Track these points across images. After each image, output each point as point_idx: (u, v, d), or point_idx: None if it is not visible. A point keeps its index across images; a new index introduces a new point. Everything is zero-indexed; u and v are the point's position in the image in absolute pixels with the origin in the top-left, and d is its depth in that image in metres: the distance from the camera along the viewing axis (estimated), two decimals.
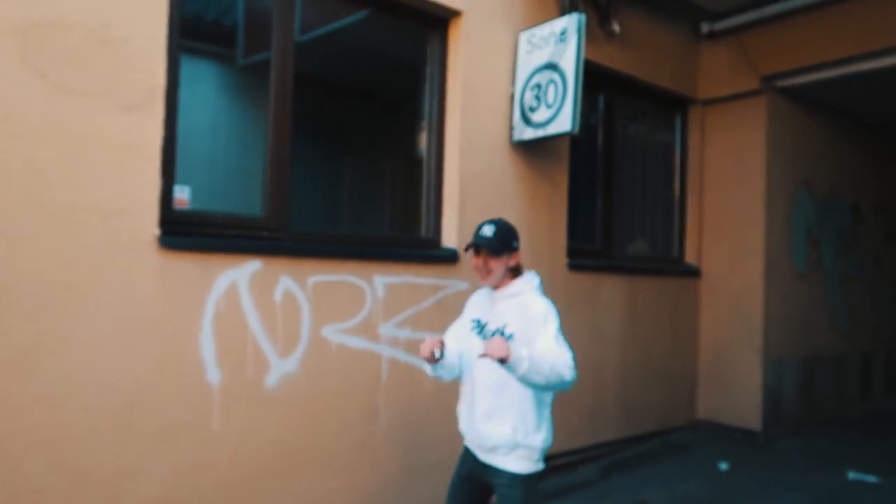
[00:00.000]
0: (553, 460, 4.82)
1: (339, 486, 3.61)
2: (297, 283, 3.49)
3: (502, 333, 2.49)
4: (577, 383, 4.96)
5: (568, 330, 4.84)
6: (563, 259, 4.90)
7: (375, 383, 3.78)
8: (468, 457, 2.64)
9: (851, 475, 5.06)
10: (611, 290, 5.31)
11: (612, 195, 5.56)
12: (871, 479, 4.99)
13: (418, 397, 3.96)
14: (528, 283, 2.60)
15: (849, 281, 6.99)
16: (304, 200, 4.97)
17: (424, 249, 4.14)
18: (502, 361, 2.17)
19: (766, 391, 5.82)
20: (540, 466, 2.52)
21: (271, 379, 3.39)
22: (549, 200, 4.78)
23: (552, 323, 2.45)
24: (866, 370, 7.31)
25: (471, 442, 2.61)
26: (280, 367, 3.42)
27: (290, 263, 3.47)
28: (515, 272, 2.61)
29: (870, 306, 7.35)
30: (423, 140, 4.41)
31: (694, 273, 6.16)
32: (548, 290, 4.72)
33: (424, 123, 4.39)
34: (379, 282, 3.81)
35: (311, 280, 3.54)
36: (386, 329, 3.84)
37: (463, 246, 4.14)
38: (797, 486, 4.87)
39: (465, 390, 2.65)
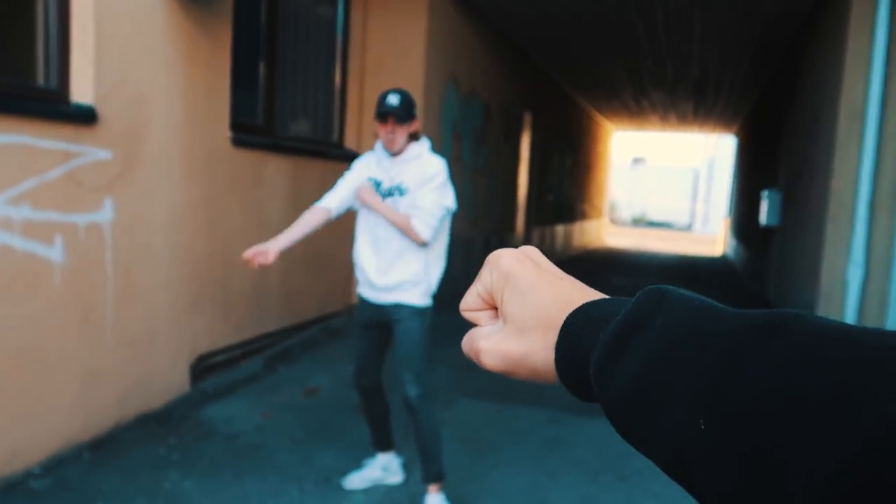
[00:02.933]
0: (215, 357, 4.33)
1: None
2: None
3: (399, 190, 2.76)
4: (239, 272, 4.54)
5: (230, 215, 4.36)
6: (225, 132, 4.25)
7: None
8: (364, 306, 2.90)
9: None
10: (275, 171, 4.85)
11: (274, 67, 5.00)
12: None
13: (42, 296, 3.05)
14: (423, 145, 2.82)
15: (477, 174, 7.71)
16: None
17: (45, 102, 3.10)
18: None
19: None
20: (431, 302, 2.87)
21: None
22: (210, 61, 4.04)
23: (439, 177, 2.74)
24: (486, 250, 8.32)
25: (374, 286, 2.81)
26: None
27: None
28: (413, 138, 2.80)
29: (489, 196, 8.28)
30: None
31: (353, 158, 6.03)
32: (209, 166, 4.13)
33: None
34: None
35: None
36: None
37: (101, 101, 3.22)
38: (441, 359, 5.28)
39: (364, 239, 2.87)
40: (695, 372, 0.31)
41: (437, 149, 6.33)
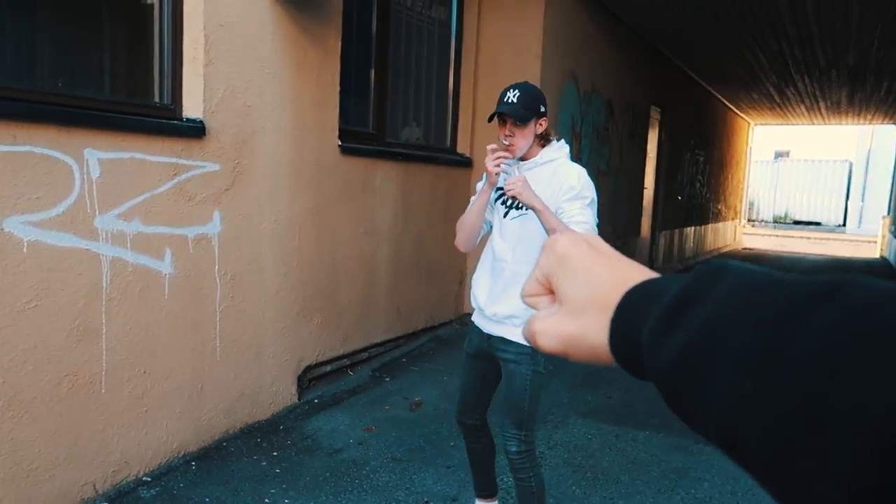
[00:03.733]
0: (322, 367, 4.31)
1: (43, 433, 2.70)
2: None
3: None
4: (348, 281, 4.50)
5: (340, 222, 4.34)
6: (334, 141, 4.22)
7: (93, 293, 2.85)
8: (474, 333, 2.54)
9: None
10: (385, 178, 4.78)
11: (386, 74, 4.93)
12: None
13: (153, 309, 3.12)
14: (559, 150, 2.40)
15: (599, 175, 7.31)
16: None
17: (158, 119, 3.17)
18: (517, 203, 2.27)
19: None
20: None
21: None
22: (319, 69, 4.01)
23: (586, 191, 2.29)
24: None
25: (482, 313, 2.46)
26: None
27: None
28: (544, 140, 2.39)
29: (612, 198, 7.84)
30: None
31: (466, 163, 5.88)
32: (317, 175, 4.11)
33: None
34: (92, 158, 2.80)
35: None
36: (105, 221, 2.87)
37: (209, 115, 3.25)
38: (558, 373, 4.99)
39: (484, 262, 2.52)
40: (746, 335, 0.31)
41: None
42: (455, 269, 5.89)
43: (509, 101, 2.32)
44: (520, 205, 2.34)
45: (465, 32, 5.78)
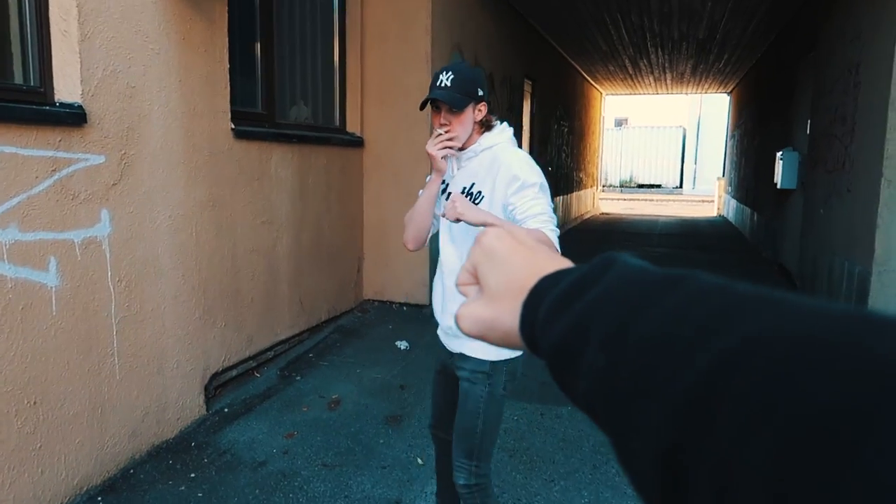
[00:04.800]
0: (228, 372, 3.96)
1: None
2: None
3: (469, 193, 2.06)
4: (250, 277, 4.14)
5: (238, 213, 3.94)
6: (226, 124, 3.82)
7: None
8: (440, 348, 2.28)
9: None
10: (279, 162, 4.43)
11: (271, 48, 4.54)
12: None
13: (40, 329, 2.66)
14: (500, 133, 2.10)
15: None
16: None
17: (27, 104, 2.67)
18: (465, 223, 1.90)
19: (432, 262, 5.76)
20: (509, 356, 2.10)
21: None
22: (207, 44, 3.59)
23: (531, 177, 1.97)
24: None
25: (442, 327, 2.21)
26: None
27: None
28: (485, 126, 2.10)
29: None
30: None
31: (357, 143, 5.61)
32: (211, 163, 3.70)
33: None
34: None
35: None
36: None
37: (89, 99, 2.80)
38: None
39: (439, 267, 2.24)
40: (610, 317, 0.34)
41: None
42: (353, 255, 5.65)
43: (442, 84, 2.02)
44: (466, 197, 2.06)
45: (348, 4, 5.46)
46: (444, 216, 1.93)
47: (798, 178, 7.28)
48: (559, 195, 12.56)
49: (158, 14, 3.20)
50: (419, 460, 3.41)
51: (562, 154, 12.68)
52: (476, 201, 2.03)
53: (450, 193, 2.12)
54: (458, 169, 2.13)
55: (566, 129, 12.91)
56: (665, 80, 14.66)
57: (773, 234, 8.97)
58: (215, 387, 3.84)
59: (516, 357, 2.12)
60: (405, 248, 2.25)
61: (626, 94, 18.81)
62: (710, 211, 19.15)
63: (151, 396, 3.28)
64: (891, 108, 4.23)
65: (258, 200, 4.17)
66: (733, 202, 14.62)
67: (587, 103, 15.56)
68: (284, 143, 4.46)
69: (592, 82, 15.59)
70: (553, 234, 1.89)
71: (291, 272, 4.63)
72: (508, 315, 0.44)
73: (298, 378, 4.38)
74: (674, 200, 24.79)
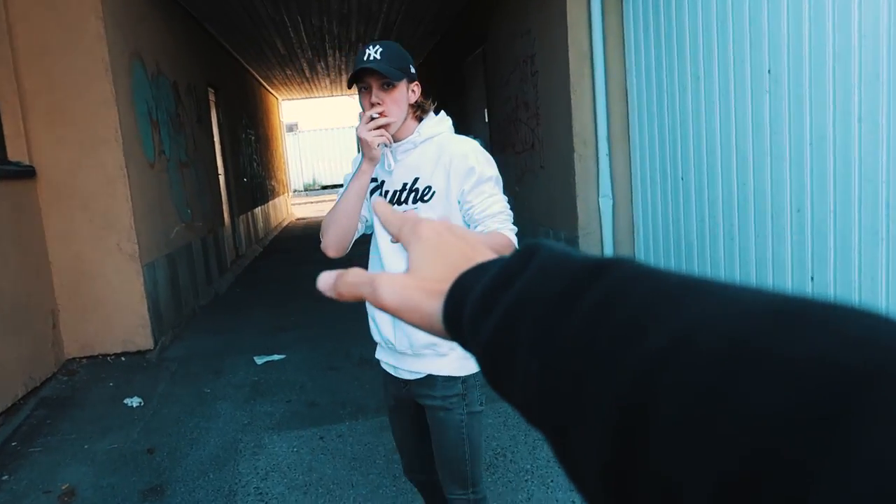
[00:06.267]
0: None
1: None
2: None
3: (416, 193, 1.79)
4: None
5: None
6: None
7: None
8: (388, 380, 1.99)
9: (258, 360, 4.92)
10: None
11: None
12: (277, 357, 4.98)
13: None
14: (441, 122, 1.86)
15: (182, 166, 6.59)
16: None
17: None
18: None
19: (150, 302, 5.00)
20: (477, 367, 1.57)
21: None
22: None
23: (487, 169, 1.77)
24: (206, 256, 7.25)
25: (391, 349, 1.88)
26: None
27: None
28: (420, 111, 1.84)
29: (198, 190, 7.20)
30: None
31: (26, 173, 4.58)
32: None
33: None
34: None
35: None
36: None
37: None
38: (222, 393, 4.42)
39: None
40: (537, 314, 0.32)
41: (139, 143, 5.16)
42: (43, 308, 4.62)
43: (371, 58, 1.74)
44: (409, 194, 1.79)
45: None
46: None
47: None
48: (258, 206, 12.06)
49: None
50: None
51: (253, 163, 12.17)
52: (426, 199, 1.77)
53: (387, 192, 1.82)
54: (395, 163, 1.81)
55: (253, 138, 12.41)
56: (341, 81, 14.97)
57: None
58: None
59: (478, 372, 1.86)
60: (324, 254, 1.84)
61: (301, 98, 18.80)
62: None
63: None
64: (573, 92, 4.81)
65: None
66: None
67: (267, 109, 15.18)
68: None
69: (269, 88, 15.25)
70: (512, 233, 1.73)
71: None
72: (432, 302, 0.41)
73: (6, 477, 3.43)
74: None
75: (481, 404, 1.91)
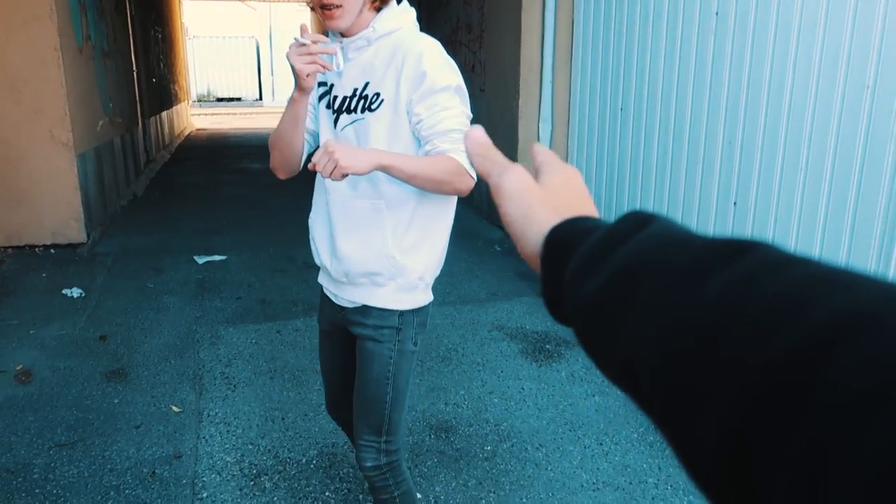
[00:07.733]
0: None
1: None
2: None
3: (365, 100, 1.54)
4: None
5: None
6: None
7: None
8: (324, 302, 1.84)
9: (199, 259, 4.92)
10: None
11: None
12: (218, 257, 4.99)
13: None
14: (401, 15, 1.56)
15: (105, 57, 6.21)
16: None
17: None
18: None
19: (82, 194, 4.82)
20: (424, 303, 1.72)
21: None
22: None
23: (443, 76, 1.50)
24: (125, 155, 6.95)
25: (328, 274, 1.75)
26: None
27: None
28: (378, 2, 1.52)
29: (118, 85, 6.82)
30: None
31: None
32: None
33: None
34: None
35: None
36: None
37: None
38: (167, 289, 4.42)
39: (318, 199, 1.73)
40: (657, 285, 0.32)
41: (70, 25, 4.82)
42: None
43: None
44: (359, 101, 1.56)
45: None
46: (314, 169, 1.41)
47: None
48: (164, 110, 11.45)
49: None
50: (174, 408, 3.03)
51: (160, 64, 11.47)
52: (373, 107, 1.54)
53: (335, 98, 1.60)
54: (346, 62, 1.57)
55: (160, 36, 11.65)
56: None
57: None
58: None
59: (427, 305, 1.74)
60: (274, 174, 1.75)
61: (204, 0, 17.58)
62: None
63: None
64: (524, 13, 4.98)
65: None
66: None
67: (170, 7, 14.18)
68: None
69: None
70: (464, 156, 1.48)
71: None
72: (545, 214, 0.44)
73: None
74: (258, 113, 24.65)
75: (415, 344, 1.73)
